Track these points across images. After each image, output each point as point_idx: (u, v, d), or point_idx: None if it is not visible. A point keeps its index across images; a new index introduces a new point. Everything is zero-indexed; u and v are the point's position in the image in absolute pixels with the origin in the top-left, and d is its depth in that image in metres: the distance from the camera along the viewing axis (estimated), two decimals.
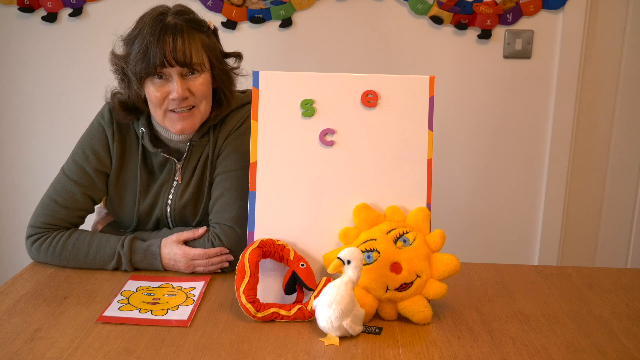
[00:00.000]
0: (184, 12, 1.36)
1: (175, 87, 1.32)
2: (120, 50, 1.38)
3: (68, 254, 1.36)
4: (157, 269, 1.37)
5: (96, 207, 1.51)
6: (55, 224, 1.40)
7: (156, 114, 1.38)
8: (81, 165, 1.42)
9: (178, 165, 1.43)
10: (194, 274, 1.35)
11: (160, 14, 1.33)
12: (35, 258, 1.40)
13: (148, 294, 1.26)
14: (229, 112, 1.45)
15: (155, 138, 1.45)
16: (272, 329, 1.13)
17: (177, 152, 1.45)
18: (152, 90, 1.34)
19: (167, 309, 1.19)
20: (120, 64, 1.37)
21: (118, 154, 1.43)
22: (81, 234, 1.39)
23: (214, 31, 1.41)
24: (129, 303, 1.22)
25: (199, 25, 1.36)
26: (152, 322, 1.14)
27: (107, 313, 1.17)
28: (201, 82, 1.35)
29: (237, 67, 1.45)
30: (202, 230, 1.38)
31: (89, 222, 1.54)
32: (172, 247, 1.35)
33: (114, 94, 1.43)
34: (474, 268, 1.42)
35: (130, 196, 1.45)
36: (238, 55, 1.45)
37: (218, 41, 1.42)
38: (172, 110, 1.36)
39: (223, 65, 1.41)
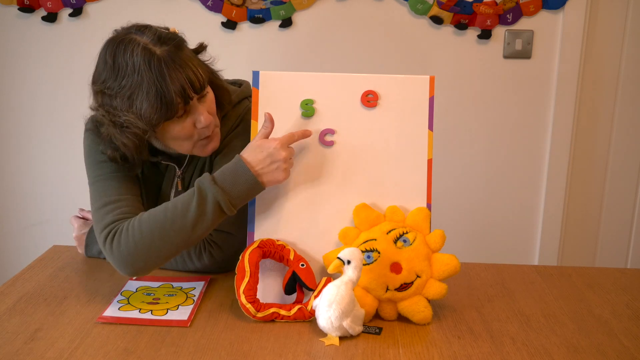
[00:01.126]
0: (161, 38, 1.19)
1: (201, 118, 1.22)
2: (118, 103, 1.19)
3: (147, 228, 1.17)
4: (252, 186, 1.18)
5: (90, 217, 1.45)
6: (121, 219, 1.22)
7: (183, 147, 1.26)
8: (102, 164, 1.31)
9: (178, 172, 1.38)
10: (194, 275, 1.35)
11: (147, 51, 1.16)
12: (117, 255, 1.18)
13: (148, 294, 1.26)
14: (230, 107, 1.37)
15: (153, 147, 1.34)
16: (272, 329, 1.13)
17: (178, 157, 1.38)
18: (177, 129, 1.23)
19: (167, 309, 1.19)
20: (122, 116, 1.19)
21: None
22: (151, 210, 1.21)
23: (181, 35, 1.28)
24: (129, 303, 1.21)
25: (179, 41, 1.23)
26: (152, 322, 1.14)
27: (107, 313, 1.17)
28: (211, 99, 1.28)
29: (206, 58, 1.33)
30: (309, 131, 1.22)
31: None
32: (249, 147, 1.20)
33: (114, 153, 1.26)
34: (474, 268, 1.42)
35: None
36: (202, 48, 1.32)
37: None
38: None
39: (205, 65, 1.30)
